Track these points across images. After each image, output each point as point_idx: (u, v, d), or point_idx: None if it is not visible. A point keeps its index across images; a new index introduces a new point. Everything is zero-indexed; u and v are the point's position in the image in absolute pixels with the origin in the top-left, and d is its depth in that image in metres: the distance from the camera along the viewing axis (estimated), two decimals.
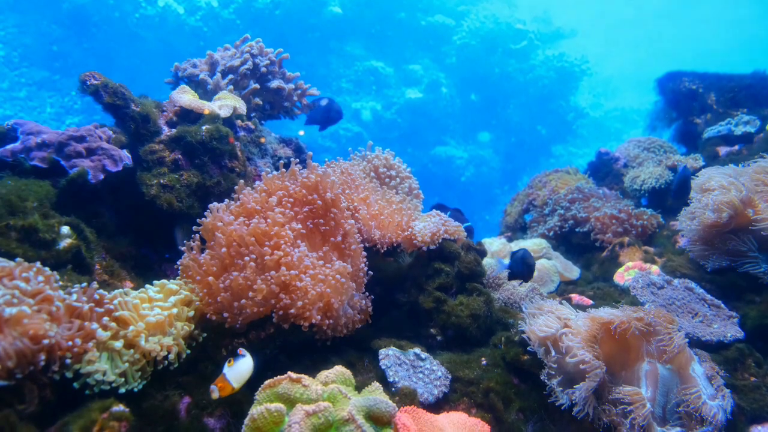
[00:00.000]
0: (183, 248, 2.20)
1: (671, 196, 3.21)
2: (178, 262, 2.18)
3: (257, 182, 2.49)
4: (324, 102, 3.23)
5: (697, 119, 4.73)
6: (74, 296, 1.70)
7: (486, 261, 3.18)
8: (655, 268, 3.07)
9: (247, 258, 2.01)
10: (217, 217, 2.16)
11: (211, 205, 2.25)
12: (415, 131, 15.53)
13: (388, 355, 2.11)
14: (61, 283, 1.75)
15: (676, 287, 2.75)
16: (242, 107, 3.01)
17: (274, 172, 2.44)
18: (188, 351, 1.90)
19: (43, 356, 1.50)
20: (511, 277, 2.95)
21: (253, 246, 2.04)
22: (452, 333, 2.44)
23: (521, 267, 2.84)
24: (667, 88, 5.03)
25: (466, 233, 2.80)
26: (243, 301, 1.95)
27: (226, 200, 2.31)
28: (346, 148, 3.13)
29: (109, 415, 1.49)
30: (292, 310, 1.95)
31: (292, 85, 3.46)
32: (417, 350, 2.19)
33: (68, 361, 1.58)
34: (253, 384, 1.67)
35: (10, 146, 2.30)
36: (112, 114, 2.63)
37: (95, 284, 1.82)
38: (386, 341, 2.25)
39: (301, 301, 1.95)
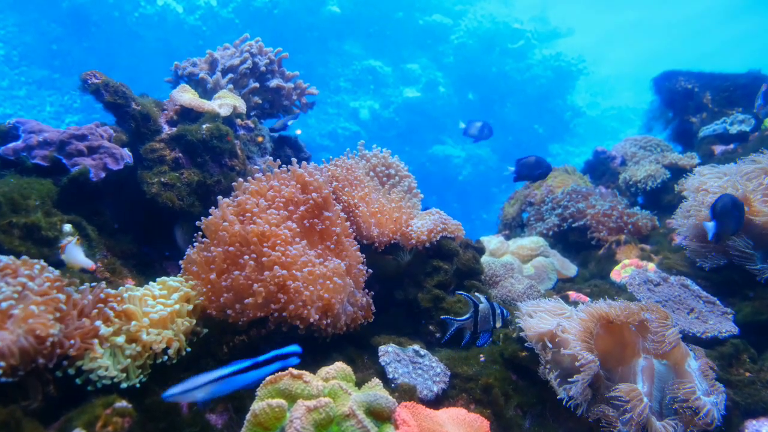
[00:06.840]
0: (186, 245, 2.21)
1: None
2: (183, 259, 2.20)
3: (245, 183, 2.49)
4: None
5: (692, 118, 4.76)
6: (80, 295, 1.72)
7: (484, 259, 3.20)
8: (651, 266, 3.10)
9: (246, 257, 2.03)
10: (220, 216, 2.18)
11: (220, 202, 2.26)
12: (413, 130, 15.57)
13: (388, 351, 2.13)
14: (62, 282, 1.77)
15: (672, 284, 2.77)
16: (242, 106, 3.02)
17: (268, 173, 2.45)
18: (188, 349, 1.91)
19: (47, 354, 1.51)
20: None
21: (254, 246, 2.06)
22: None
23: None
24: (664, 87, 5.06)
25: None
26: (246, 301, 1.98)
27: (226, 199, 2.32)
28: (345, 147, 3.14)
29: (113, 410, 1.51)
30: (284, 313, 1.97)
31: (291, 84, 3.48)
32: (416, 347, 2.20)
33: (66, 362, 1.60)
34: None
35: (12, 144, 2.31)
36: (113, 113, 2.64)
37: (103, 284, 1.84)
38: (386, 338, 2.27)
39: (293, 304, 1.96)
